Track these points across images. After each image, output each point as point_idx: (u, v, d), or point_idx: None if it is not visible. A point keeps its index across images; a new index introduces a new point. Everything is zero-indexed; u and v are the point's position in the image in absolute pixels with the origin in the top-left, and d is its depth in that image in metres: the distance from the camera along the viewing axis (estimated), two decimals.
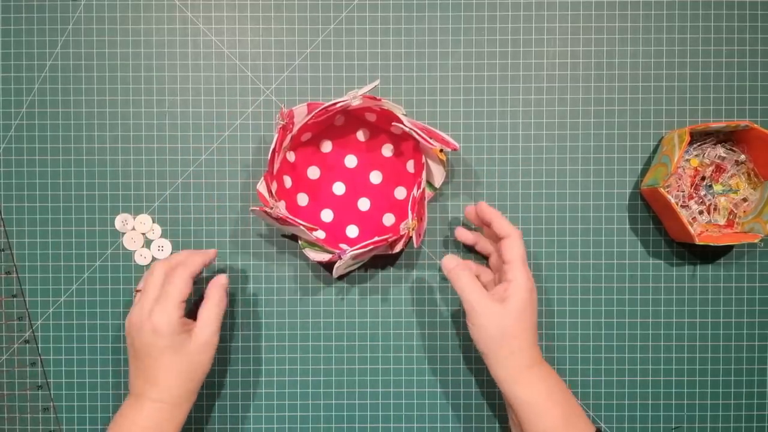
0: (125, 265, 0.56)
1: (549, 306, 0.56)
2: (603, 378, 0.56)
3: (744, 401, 0.56)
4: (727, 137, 0.55)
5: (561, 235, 0.56)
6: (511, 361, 0.46)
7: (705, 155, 0.55)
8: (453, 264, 0.49)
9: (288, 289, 0.56)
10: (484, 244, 0.54)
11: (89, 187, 0.56)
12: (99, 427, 0.56)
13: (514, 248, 0.48)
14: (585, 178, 0.56)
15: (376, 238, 0.49)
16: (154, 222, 0.56)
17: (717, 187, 0.54)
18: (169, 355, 0.47)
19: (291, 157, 0.54)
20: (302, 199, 0.55)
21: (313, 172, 0.55)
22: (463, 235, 0.54)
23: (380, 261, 0.56)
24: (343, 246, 0.52)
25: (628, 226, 0.56)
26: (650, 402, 0.56)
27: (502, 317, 0.46)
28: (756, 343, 0.56)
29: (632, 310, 0.56)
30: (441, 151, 0.50)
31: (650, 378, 0.56)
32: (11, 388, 0.56)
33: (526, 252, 0.48)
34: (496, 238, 0.50)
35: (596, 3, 0.56)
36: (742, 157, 0.54)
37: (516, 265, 0.47)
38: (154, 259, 0.56)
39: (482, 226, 0.53)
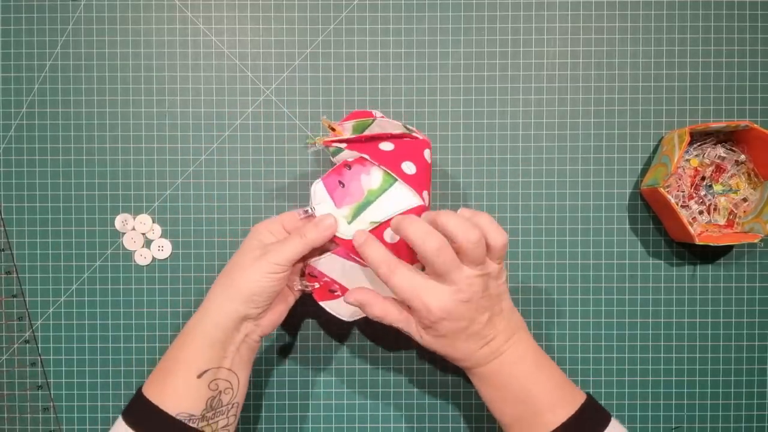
0: (125, 265, 0.56)
1: (549, 306, 0.56)
2: (603, 378, 0.56)
3: (744, 401, 0.56)
4: (727, 137, 0.55)
5: (561, 235, 0.56)
6: (458, 363, 0.45)
7: (705, 155, 0.55)
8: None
9: None
10: None
11: (89, 187, 0.56)
12: (99, 427, 0.56)
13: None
14: (585, 178, 0.56)
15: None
16: (154, 222, 0.56)
17: (717, 187, 0.54)
18: (235, 256, 0.46)
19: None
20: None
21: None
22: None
23: None
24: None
25: (628, 226, 0.56)
26: (650, 402, 0.56)
27: (429, 334, 0.44)
28: (756, 343, 0.56)
29: (632, 310, 0.56)
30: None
31: (650, 378, 0.56)
32: (11, 388, 0.56)
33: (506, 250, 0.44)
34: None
35: (596, 3, 0.56)
36: (742, 157, 0.54)
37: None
38: (154, 259, 0.56)
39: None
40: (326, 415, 0.56)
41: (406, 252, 0.46)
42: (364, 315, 0.46)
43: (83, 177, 0.56)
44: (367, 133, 0.49)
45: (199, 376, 0.43)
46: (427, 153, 0.48)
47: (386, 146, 0.47)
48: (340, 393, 0.56)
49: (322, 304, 0.48)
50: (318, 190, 0.46)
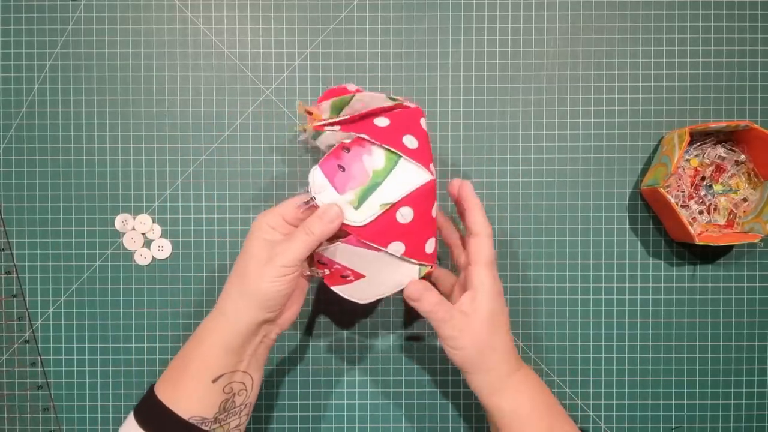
0: (125, 265, 0.56)
1: (549, 306, 0.56)
2: (603, 378, 0.56)
3: (744, 401, 0.56)
4: (727, 137, 0.55)
5: (561, 235, 0.56)
6: (493, 374, 0.44)
7: (705, 155, 0.55)
8: (418, 293, 0.44)
9: None
10: (449, 233, 0.51)
11: (89, 187, 0.56)
12: (99, 427, 0.56)
13: (481, 250, 0.43)
14: (585, 178, 0.56)
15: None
16: (154, 222, 0.56)
17: (717, 187, 0.54)
18: (242, 259, 0.43)
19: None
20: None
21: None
22: (453, 190, 0.47)
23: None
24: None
25: (628, 226, 0.56)
26: (650, 402, 0.56)
27: (476, 334, 0.43)
28: (756, 343, 0.56)
29: (632, 310, 0.56)
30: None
31: (650, 378, 0.56)
32: (11, 388, 0.56)
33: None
34: (466, 231, 0.46)
35: (596, 3, 0.56)
36: (742, 157, 0.54)
37: (481, 270, 0.43)
38: (154, 259, 0.56)
39: (458, 205, 0.48)
40: (326, 415, 0.56)
41: (422, 229, 0.44)
42: (378, 298, 0.46)
43: (83, 177, 0.56)
44: (347, 109, 0.46)
45: (214, 381, 0.42)
46: (423, 122, 0.46)
47: (382, 122, 0.44)
48: (340, 393, 0.56)
49: (334, 288, 0.46)
50: (317, 177, 0.43)
